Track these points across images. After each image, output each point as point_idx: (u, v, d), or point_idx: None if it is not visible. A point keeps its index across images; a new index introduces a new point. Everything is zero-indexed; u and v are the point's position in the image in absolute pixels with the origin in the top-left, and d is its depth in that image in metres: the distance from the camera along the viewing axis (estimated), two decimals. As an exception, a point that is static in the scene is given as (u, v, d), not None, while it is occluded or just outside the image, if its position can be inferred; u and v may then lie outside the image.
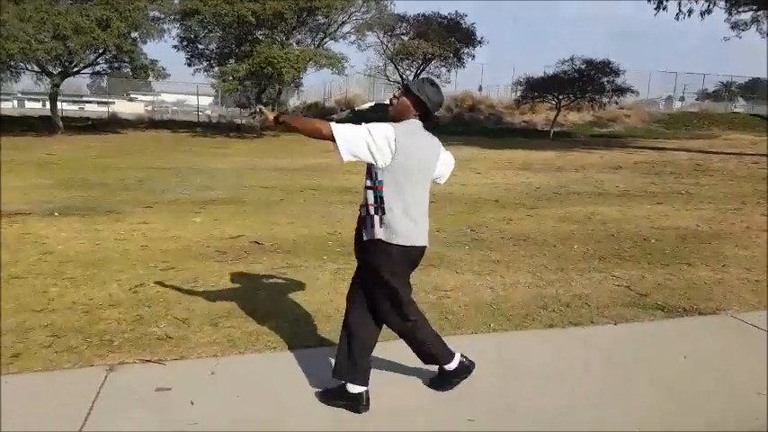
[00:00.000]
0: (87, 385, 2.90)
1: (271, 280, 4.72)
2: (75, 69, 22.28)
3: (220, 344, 3.46)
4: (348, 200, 8.88)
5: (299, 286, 4.54)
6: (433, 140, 2.72)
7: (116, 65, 23.24)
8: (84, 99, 60.78)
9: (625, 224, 7.32)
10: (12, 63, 20.00)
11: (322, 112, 33.22)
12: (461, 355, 2.91)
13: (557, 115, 28.33)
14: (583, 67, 27.11)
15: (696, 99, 42.50)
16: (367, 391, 2.71)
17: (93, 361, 3.18)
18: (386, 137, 2.50)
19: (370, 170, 2.59)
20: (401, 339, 2.86)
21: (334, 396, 2.76)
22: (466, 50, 27.50)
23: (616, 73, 26.93)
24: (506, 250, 5.88)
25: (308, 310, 4.03)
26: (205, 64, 25.76)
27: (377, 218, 2.57)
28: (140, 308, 3.99)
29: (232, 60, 23.15)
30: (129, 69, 22.40)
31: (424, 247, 2.73)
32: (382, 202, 2.57)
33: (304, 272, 4.96)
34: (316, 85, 38.26)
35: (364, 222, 2.63)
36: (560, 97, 27.99)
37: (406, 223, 2.59)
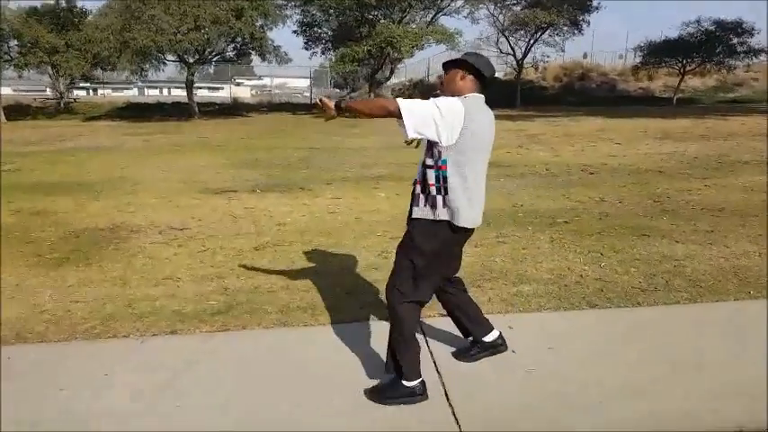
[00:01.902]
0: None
1: (498, 248, 5.05)
2: (209, 58, 23.90)
3: (502, 302, 3.84)
4: (502, 173, 9.02)
5: (530, 254, 4.85)
6: (491, 116, 2.62)
7: (243, 52, 24.63)
8: (196, 86, 64.46)
9: (823, 193, 7.01)
10: (159, 54, 21.81)
11: (426, 88, 33.36)
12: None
13: (681, 81, 26.79)
14: (712, 28, 25.34)
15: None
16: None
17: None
18: (455, 112, 2.40)
19: (432, 148, 2.50)
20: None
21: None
22: (581, 18, 26.48)
23: (749, 33, 24.95)
24: (709, 221, 5.86)
25: (556, 275, 4.33)
26: (321, 47, 26.66)
27: (440, 198, 2.50)
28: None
29: (348, 42, 23.70)
30: (257, 55, 23.70)
31: (473, 229, 2.65)
32: (445, 182, 2.49)
33: (520, 241, 5.26)
34: (416, 62, 38.23)
35: (419, 200, 2.56)
36: (684, 62, 26.38)
37: (468, 204, 2.52)
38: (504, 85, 26.71)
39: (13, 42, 26.35)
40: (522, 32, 26.51)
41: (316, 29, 25.01)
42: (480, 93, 2.58)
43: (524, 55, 27.52)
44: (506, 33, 26.68)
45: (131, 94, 58.12)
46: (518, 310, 3.73)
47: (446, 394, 2.74)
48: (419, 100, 2.45)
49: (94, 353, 3.23)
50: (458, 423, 2.53)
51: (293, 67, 35.15)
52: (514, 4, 26.28)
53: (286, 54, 24.14)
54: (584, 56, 38.16)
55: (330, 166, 10.47)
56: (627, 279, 4.22)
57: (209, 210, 6.76)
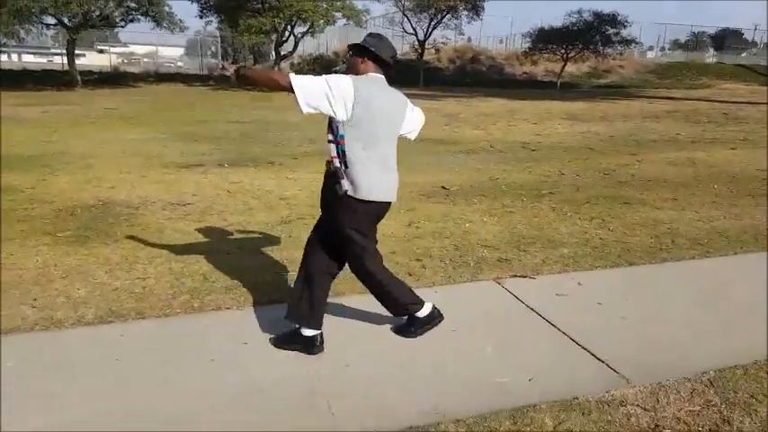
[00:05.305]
0: (494, 294, 3.70)
1: (512, 217, 5.48)
2: (96, 22, 21.75)
3: (556, 263, 4.26)
4: (452, 150, 9.56)
5: (543, 221, 5.35)
6: (398, 96, 2.76)
7: (130, 17, 22.76)
8: (52, 51, 58.26)
9: (733, 167, 8.27)
10: (41, 16, 19.48)
11: (326, 62, 33.18)
12: (432, 305, 3.01)
13: (564, 66, 29.14)
14: (591, 19, 27.83)
15: (669, 49, 44.13)
16: (321, 334, 2.86)
17: (478, 276, 3.95)
18: (344, 88, 2.50)
19: (331, 124, 2.61)
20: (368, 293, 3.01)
21: (288, 340, 2.89)
22: (479, 2, 27.83)
23: (623, 25, 27.76)
24: (664, 190, 6.74)
25: (580, 239, 4.85)
26: (215, 17, 25.43)
27: (340, 171, 2.60)
28: (441, 239, 4.72)
29: (249, 13, 22.87)
30: (150, 21, 22.00)
31: (389, 203, 2.79)
32: (344, 156, 2.58)
33: (525, 210, 5.74)
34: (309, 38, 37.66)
35: (333, 176, 2.64)
36: (567, 48, 28.72)
37: (370, 178, 2.62)
38: (407, 65, 27.37)
39: None
40: (424, 14, 27.27)
41: (211, -3, 23.80)
42: (383, 73, 2.70)
43: (426, 36, 28.36)
44: (408, 14, 27.29)
45: (-25, 61, 51.08)
46: (574, 269, 4.17)
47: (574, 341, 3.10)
48: (312, 76, 2.55)
49: (211, 324, 3.17)
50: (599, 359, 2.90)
51: (164, 35, 32.51)
52: (416, -14, 26.91)
53: (182, 21, 22.76)
54: (469, 39, 40.20)
55: (278, 140, 10.33)
56: (639, 240, 4.85)
57: (194, 185, 6.50)
